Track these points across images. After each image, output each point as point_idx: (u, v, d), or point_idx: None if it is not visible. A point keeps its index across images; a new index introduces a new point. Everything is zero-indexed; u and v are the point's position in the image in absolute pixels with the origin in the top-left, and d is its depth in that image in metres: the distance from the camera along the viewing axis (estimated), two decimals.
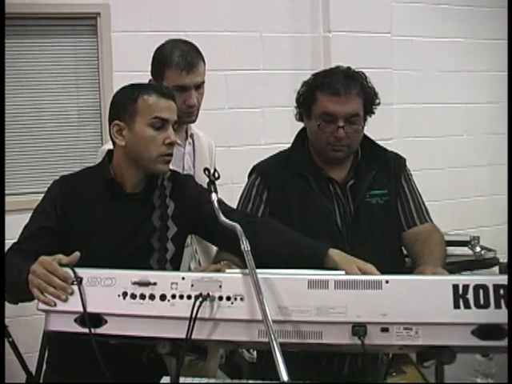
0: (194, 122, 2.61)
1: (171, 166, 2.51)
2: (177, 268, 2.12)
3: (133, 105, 1.97)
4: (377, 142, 2.32)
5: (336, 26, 4.21)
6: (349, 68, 2.22)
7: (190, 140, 2.68)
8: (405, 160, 2.33)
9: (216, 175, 1.86)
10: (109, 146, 2.59)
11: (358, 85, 2.15)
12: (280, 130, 3.86)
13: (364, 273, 1.78)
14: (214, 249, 2.79)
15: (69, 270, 1.62)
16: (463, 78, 4.79)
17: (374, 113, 2.24)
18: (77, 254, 1.70)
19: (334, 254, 1.88)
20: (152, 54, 2.55)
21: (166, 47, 2.54)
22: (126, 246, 1.97)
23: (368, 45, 4.21)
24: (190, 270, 2.56)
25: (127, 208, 2.02)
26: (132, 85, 2.06)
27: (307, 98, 2.21)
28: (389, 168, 2.26)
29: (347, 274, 1.73)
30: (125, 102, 1.99)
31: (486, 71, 4.86)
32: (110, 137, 2.05)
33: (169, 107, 2.01)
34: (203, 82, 2.53)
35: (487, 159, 4.95)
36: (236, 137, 4.21)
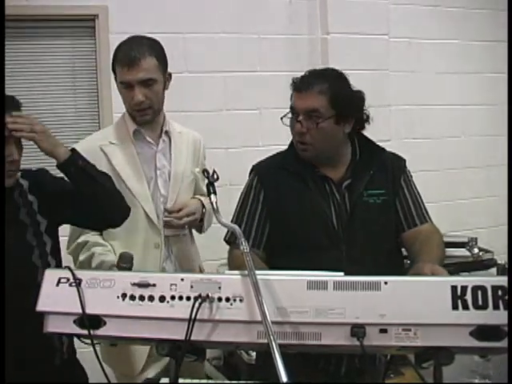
0: (149, 121, 2.56)
1: (145, 166, 2.54)
2: (59, 260, 2.15)
3: None
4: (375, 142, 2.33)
5: (333, 28, 4.22)
6: (328, 68, 2.28)
7: (164, 137, 2.64)
8: (405, 161, 2.34)
9: (215, 176, 1.86)
10: (81, 144, 2.53)
11: (325, 83, 2.17)
12: (277, 132, 3.82)
13: None
14: (197, 250, 2.79)
15: (67, 271, 1.63)
16: (461, 79, 4.80)
17: (362, 117, 2.25)
18: None
19: None
20: None
21: (120, 44, 2.52)
22: (6, 247, 1.93)
23: (365, 46, 4.21)
24: (164, 270, 2.54)
25: None
26: None
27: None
28: (387, 168, 2.27)
29: None
30: None
31: (484, 73, 4.88)
32: None
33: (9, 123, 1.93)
34: (152, 79, 2.46)
35: (484, 161, 4.95)
36: (234, 138, 4.22)
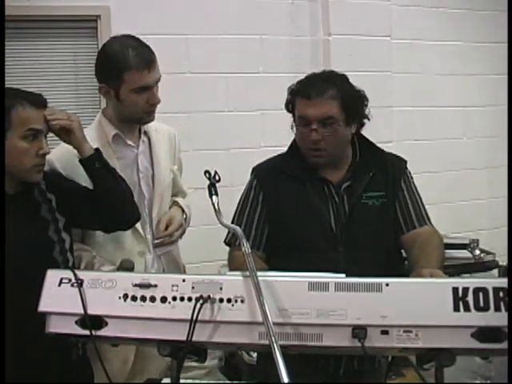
0: (153, 120, 2.50)
1: (127, 170, 2.46)
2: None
3: (6, 117, 1.93)
4: (376, 144, 2.33)
5: (336, 29, 4.22)
6: (330, 72, 2.26)
7: (143, 138, 2.56)
8: (406, 162, 2.34)
9: (217, 177, 1.86)
10: (55, 152, 2.40)
11: (334, 88, 2.16)
12: (279, 133, 3.81)
13: None
14: (182, 255, 2.75)
15: (69, 272, 1.63)
16: (462, 80, 4.80)
17: (365, 116, 2.25)
18: None
19: None
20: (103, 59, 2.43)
21: (114, 48, 2.37)
22: (29, 243, 1.99)
23: (368, 48, 4.21)
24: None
25: (15, 208, 2.00)
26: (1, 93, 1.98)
27: (291, 105, 2.25)
28: (387, 170, 2.27)
29: None
30: None
31: (486, 74, 4.88)
32: None
33: (42, 117, 2.02)
34: (160, 76, 2.42)
35: (486, 162, 4.95)
36: (236, 139, 4.22)
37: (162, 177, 2.58)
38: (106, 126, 2.48)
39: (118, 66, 2.32)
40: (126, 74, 2.32)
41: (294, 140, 2.35)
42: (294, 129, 2.27)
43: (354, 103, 2.19)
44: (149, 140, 2.58)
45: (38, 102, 2.01)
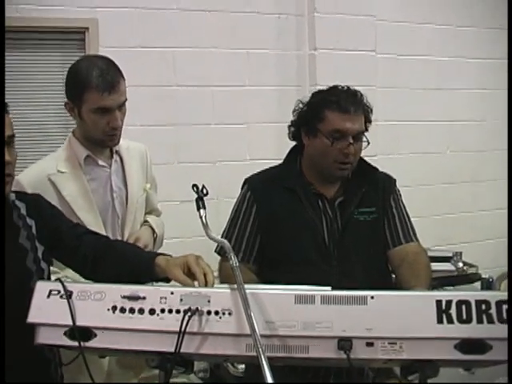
0: (117, 144, 2.46)
1: (101, 190, 2.44)
2: None
3: None
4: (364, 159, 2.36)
5: (321, 44, 4.24)
6: (348, 87, 2.28)
7: (116, 157, 2.53)
8: (395, 181, 2.39)
9: (204, 191, 1.88)
10: (25, 175, 2.34)
11: (360, 103, 2.23)
12: (265, 146, 3.89)
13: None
14: None
15: (58, 284, 1.64)
16: (447, 95, 4.84)
17: (367, 130, 2.29)
18: None
19: (160, 259, 1.83)
20: (71, 74, 2.39)
21: (81, 66, 2.34)
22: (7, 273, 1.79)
23: (353, 62, 4.24)
24: None
25: None
26: None
27: (313, 117, 2.24)
28: (378, 187, 2.31)
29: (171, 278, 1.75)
30: None
31: (470, 89, 4.92)
32: None
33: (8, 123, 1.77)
34: (126, 100, 2.37)
35: (470, 176, 4.99)
36: (221, 152, 4.23)
37: (135, 196, 2.56)
38: (77, 148, 2.44)
39: (80, 84, 2.30)
40: (86, 93, 2.29)
41: (291, 153, 2.38)
42: (313, 141, 2.25)
43: (369, 118, 2.28)
44: (121, 159, 2.55)
45: None
